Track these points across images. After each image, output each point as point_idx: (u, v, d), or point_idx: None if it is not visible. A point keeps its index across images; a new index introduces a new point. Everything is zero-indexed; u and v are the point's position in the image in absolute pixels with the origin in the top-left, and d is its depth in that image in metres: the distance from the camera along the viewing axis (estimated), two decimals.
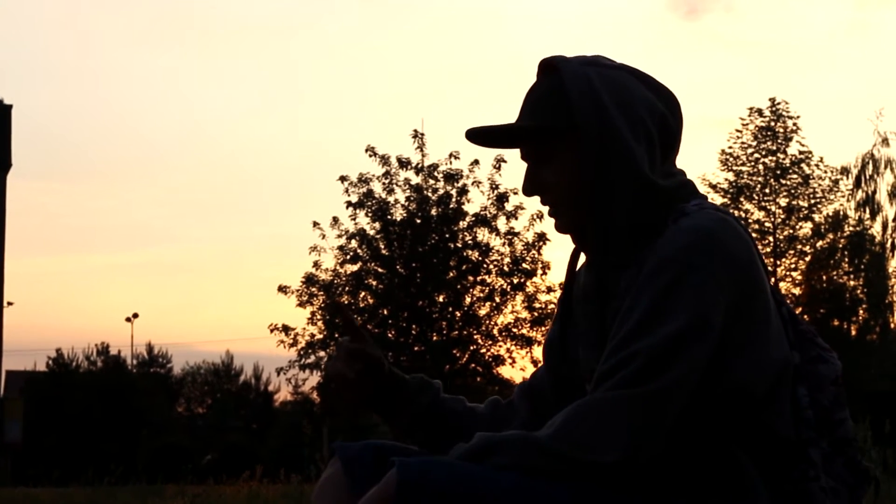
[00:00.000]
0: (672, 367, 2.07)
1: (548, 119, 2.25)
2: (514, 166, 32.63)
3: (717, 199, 34.57)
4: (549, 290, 30.38)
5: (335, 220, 30.25)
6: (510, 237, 30.26)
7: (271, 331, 30.61)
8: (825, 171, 34.96)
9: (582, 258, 2.38)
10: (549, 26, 71.04)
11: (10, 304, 51.10)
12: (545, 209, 2.33)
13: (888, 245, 36.40)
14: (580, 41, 72.11)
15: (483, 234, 30.33)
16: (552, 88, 2.27)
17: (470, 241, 30.30)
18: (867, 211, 36.39)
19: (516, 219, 30.20)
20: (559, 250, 35.13)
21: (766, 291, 2.18)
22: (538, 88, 2.30)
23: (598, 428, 2.05)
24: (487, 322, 30.61)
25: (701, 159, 41.24)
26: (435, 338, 30.34)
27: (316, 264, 30.58)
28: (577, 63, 2.27)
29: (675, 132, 2.28)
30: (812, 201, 34.87)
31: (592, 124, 2.20)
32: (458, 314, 30.47)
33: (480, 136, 2.33)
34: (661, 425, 2.07)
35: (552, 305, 30.18)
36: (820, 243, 35.36)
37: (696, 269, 2.10)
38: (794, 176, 34.79)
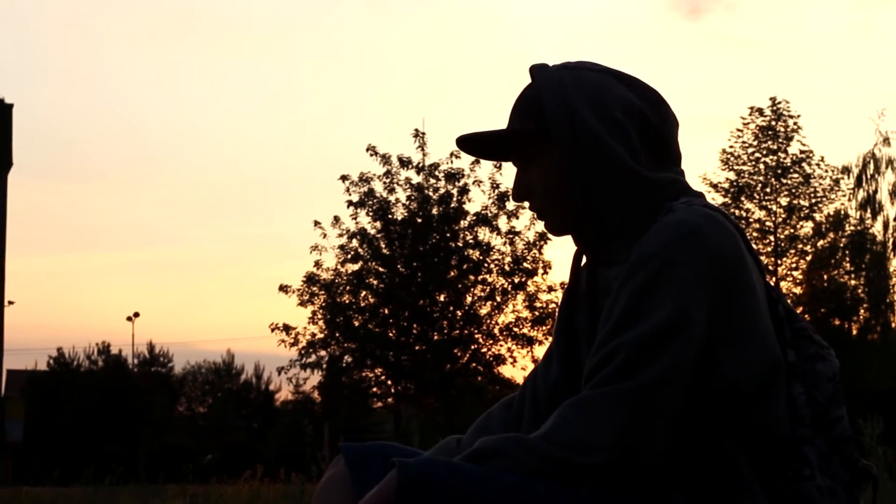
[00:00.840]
0: (654, 362, 2.07)
1: (524, 123, 2.30)
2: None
3: (717, 198, 34.61)
4: (550, 289, 30.44)
5: (336, 219, 30.29)
6: (511, 236, 30.29)
7: (272, 330, 30.67)
8: (826, 171, 34.99)
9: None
10: (550, 27, 71.14)
11: (11, 303, 51.13)
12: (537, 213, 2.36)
13: (889, 244, 36.40)
14: (581, 41, 72.03)
15: (484, 234, 30.38)
16: (529, 94, 2.32)
17: (471, 241, 30.33)
18: (868, 210, 36.39)
19: (517, 218, 30.27)
20: (560, 249, 35.17)
21: (753, 288, 2.17)
22: (522, 95, 2.35)
23: (585, 428, 2.05)
24: (488, 321, 30.63)
25: (703, 159, 41.27)
26: (436, 337, 30.36)
27: (317, 263, 30.63)
28: (554, 68, 2.31)
29: (659, 129, 2.28)
30: (813, 201, 34.88)
31: (563, 125, 2.23)
32: (459, 313, 30.49)
33: (469, 144, 2.38)
34: (648, 421, 2.06)
35: (553, 305, 30.18)
36: (821, 243, 35.37)
37: (675, 264, 2.10)
38: (795, 175, 34.80)
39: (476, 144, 2.38)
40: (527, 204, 2.36)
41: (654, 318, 2.08)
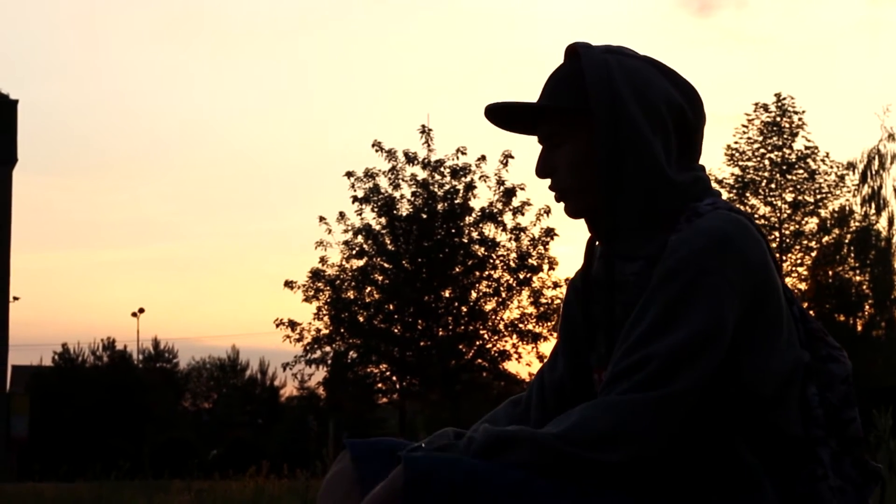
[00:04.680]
0: (685, 373, 2.07)
1: (563, 100, 2.27)
2: (521, 162, 32.62)
3: (723, 194, 34.46)
4: (556, 285, 30.39)
5: (341, 215, 30.24)
6: (517, 232, 30.24)
7: (277, 326, 30.59)
8: (831, 167, 34.94)
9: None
10: (558, 23, 71.09)
11: (16, 298, 51.10)
12: (551, 198, 2.34)
13: (894, 240, 36.35)
14: (590, 37, 70.81)
15: (490, 230, 30.33)
16: (571, 72, 2.28)
17: (476, 237, 30.29)
18: (873, 206, 36.33)
19: (523, 214, 30.20)
20: (566, 246, 35.11)
21: (779, 293, 2.18)
22: (558, 72, 2.31)
23: (610, 430, 2.06)
24: (493, 317, 30.58)
25: (710, 155, 41.24)
26: (441, 333, 30.32)
27: (322, 259, 30.59)
28: (599, 50, 2.28)
29: (694, 127, 2.28)
30: (818, 196, 34.83)
31: (605, 108, 2.21)
32: (464, 309, 30.45)
33: (498, 115, 2.34)
34: (672, 428, 2.08)
35: (558, 301, 30.14)
36: (826, 239, 35.31)
37: (710, 273, 2.10)
38: (800, 171, 34.76)
39: (505, 117, 2.35)
40: (546, 191, 2.33)
41: (689, 327, 2.09)
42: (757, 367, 2.13)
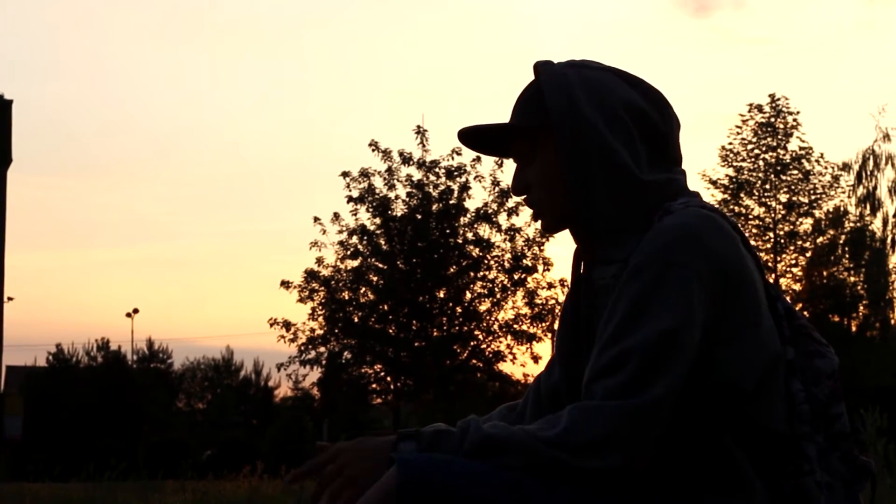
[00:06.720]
0: (664, 373, 2.09)
1: (526, 119, 2.31)
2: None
3: (717, 195, 34.64)
4: (550, 286, 30.40)
5: (336, 215, 30.26)
6: (511, 233, 30.26)
7: (271, 326, 30.58)
8: (826, 167, 34.99)
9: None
10: (555, 24, 71.20)
11: (10, 299, 51.12)
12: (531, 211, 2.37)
13: (888, 241, 36.40)
14: (587, 39, 71.94)
15: (484, 230, 30.35)
16: (533, 90, 2.33)
17: (471, 237, 30.31)
18: (868, 207, 36.41)
19: (517, 215, 30.22)
20: (561, 246, 35.17)
21: (753, 286, 2.19)
22: (526, 91, 2.36)
23: (597, 438, 2.07)
24: (488, 318, 30.60)
25: (705, 155, 41.28)
26: (435, 333, 30.34)
27: (317, 260, 30.59)
28: (560, 66, 2.33)
29: (660, 129, 2.29)
30: (812, 197, 34.88)
31: (565, 120, 2.25)
32: (459, 310, 30.46)
33: (471, 139, 2.41)
34: (657, 430, 2.10)
35: (553, 301, 30.16)
36: (820, 239, 35.36)
37: (676, 266, 2.12)
38: (795, 172, 34.80)
39: (478, 139, 2.40)
40: (524, 198, 2.36)
41: (660, 321, 2.10)
42: (734, 359, 2.14)
